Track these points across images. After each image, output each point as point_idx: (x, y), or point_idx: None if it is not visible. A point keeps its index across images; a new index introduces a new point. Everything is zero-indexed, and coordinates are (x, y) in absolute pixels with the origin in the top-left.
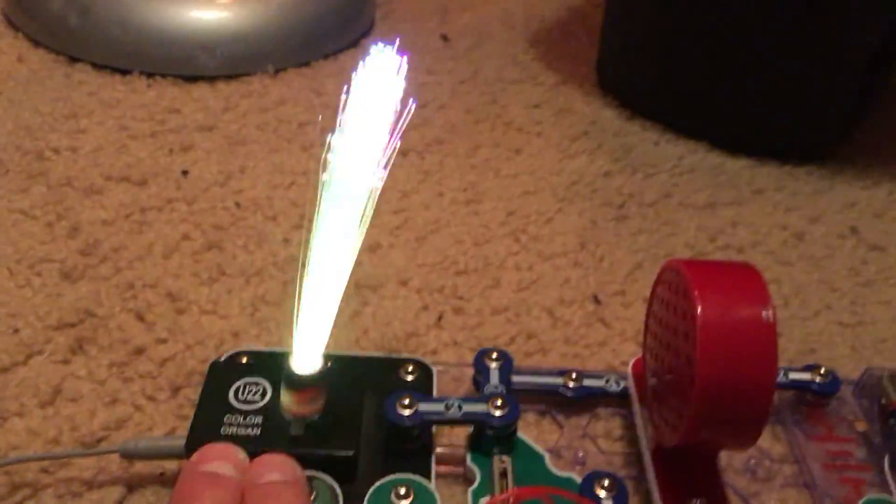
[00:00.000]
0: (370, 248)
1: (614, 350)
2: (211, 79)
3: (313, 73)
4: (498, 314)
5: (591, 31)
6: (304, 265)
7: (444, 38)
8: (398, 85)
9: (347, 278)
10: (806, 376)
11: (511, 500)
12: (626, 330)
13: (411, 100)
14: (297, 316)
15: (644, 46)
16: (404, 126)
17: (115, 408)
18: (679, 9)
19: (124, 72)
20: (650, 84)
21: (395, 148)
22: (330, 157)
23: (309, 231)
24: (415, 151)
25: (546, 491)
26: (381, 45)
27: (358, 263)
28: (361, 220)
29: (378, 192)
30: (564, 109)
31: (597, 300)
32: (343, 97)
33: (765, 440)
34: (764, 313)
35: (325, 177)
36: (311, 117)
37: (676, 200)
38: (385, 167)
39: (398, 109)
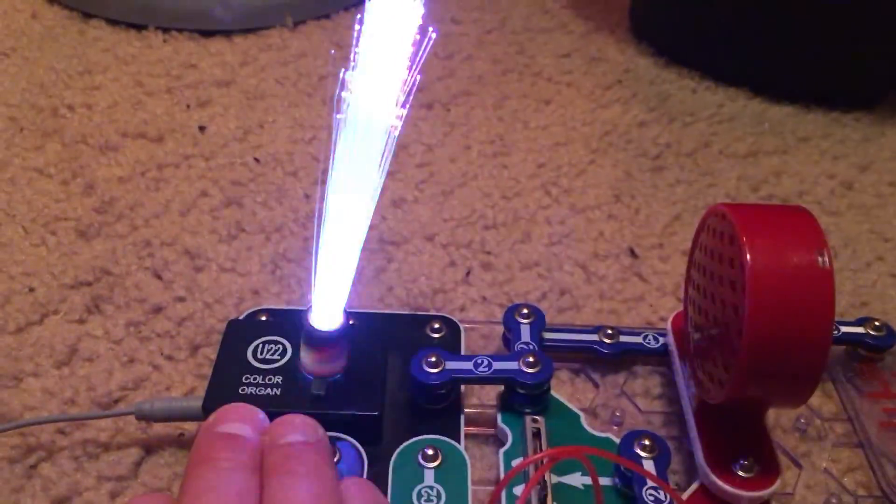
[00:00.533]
0: (394, 202)
1: (652, 305)
2: (228, 33)
3: (333, 25)
4: (528, 269)
5: None
6: (322, 217)
7: None
8: (416, 12)
9: (367, 229)
10: (859, 330)
11: (545, 460)
12: (664, 284)
13: (431, 29)
14: (316, 270)
15: None
16: (423, 59)
17: (133, 367)
18: None
19: (139, 27)
20: (687, 29)
21: (414, 83)
22: (345, 94)
23: (327, 181)
24: (440, 103)
25: (583, 451)
26: None
27: (382, 218)
28: (381, 165)
29: (397, 133)
30: (596, 58)
31: (633, 253)
32: (356, 29)
33: (815, 397)
34: (819, 259)
35: (339, 117)
36: (332, 70)
37: (716, 149)
38: (405, 105)
39: (417, 41)
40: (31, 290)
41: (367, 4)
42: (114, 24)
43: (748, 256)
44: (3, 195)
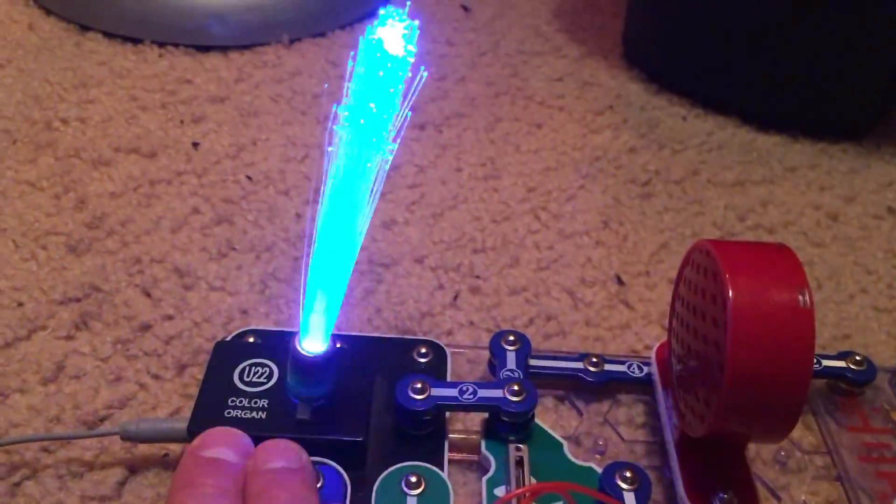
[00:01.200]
0: (385, 224)
1: (637, 333)
2: (224, 49)
3: (329, 43)
4: (516, 294)
5: (617, 1)
6: (313, 240)
7: (465, 8)
8: (410, 51)
9: (357, 255)
10: (840, 364)
11: (528, 495)
12: (650, 312)
13: (422, 68)
14: (305, 293)
15: (672, 17)
16: (415, 96)
17: (119, 386)
18: None
19: (135, 41)
20: (678, 57)
21: (406, 119)
22: (337, 128)
23: (319, 204)
24: (432, 125)
25: (565, 487)
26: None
27: (372, 240)
28: (372, 195)
29: (388, 166)
30: (588, 83)
31: (620, 281)
32: (350, 65)
33: (796, 430)
34: (800, 297)
35: (331, 149)
36: (326, 89)
37: (704, 178)
38: (396, 139)
39: (411, 77)
40: (20, 304)
41: (361, 41)
42: (110, 37)
43: (730, 294)
44: None
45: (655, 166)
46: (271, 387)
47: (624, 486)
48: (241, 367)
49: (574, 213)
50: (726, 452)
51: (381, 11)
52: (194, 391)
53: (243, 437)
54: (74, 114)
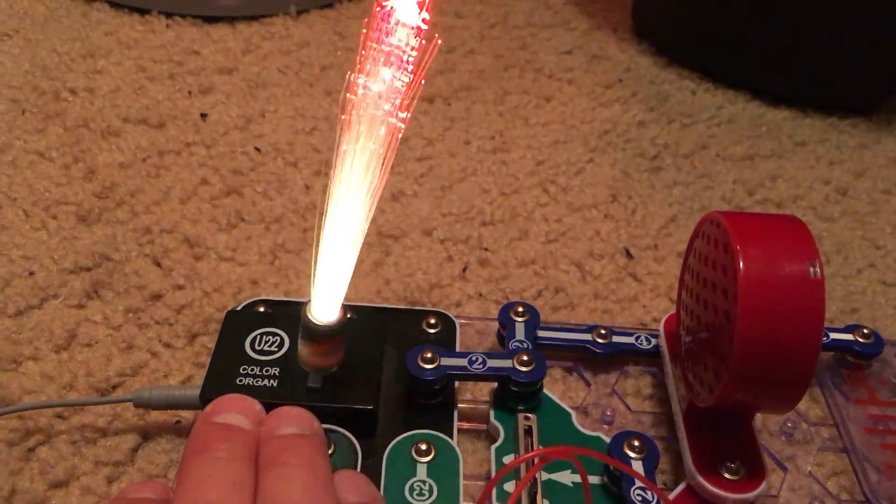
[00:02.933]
0: (393, 196)
1: (645, 306)
2: (231, 19)
3: (337, 14)
4: (525, 266)
5: None
6: (323, 211)
7: None
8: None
9: (367, 227)
10: (847, 337)
11: (536, 460)
12: (658, 285)
13: (437, 35)
14: (316, 263)
15: None
16: (426, 67)
17: (131, 354)
18: None
19: (143, 11)
20: (688, 30)
21: (417, 90)
22: (350, 97)
23: (329, 176)
24: (441, 98)
25: (574, 451)
26: None
27: (381, 211)
28: (383, 166)
29: (399, 137)
30: (598, 56)
31: (628, 254)
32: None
33: (802, 402)
34: (811, 269)
35: (343, 117)
36: (334, 60)
37: (713, 152)
38: (407, 110)
39: (422, 47)
40: (31, 273)
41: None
42: (117, 7)
43: (741, 264)
44: (5, 178)
45: (664, 140)
46: (282, 355)
47: (632, 454)
48: (252, 335)
49: (583, 187)
50: (733, 423)
51: None
52: (205, 359)
53: (255, 404)
54: (83, 84)
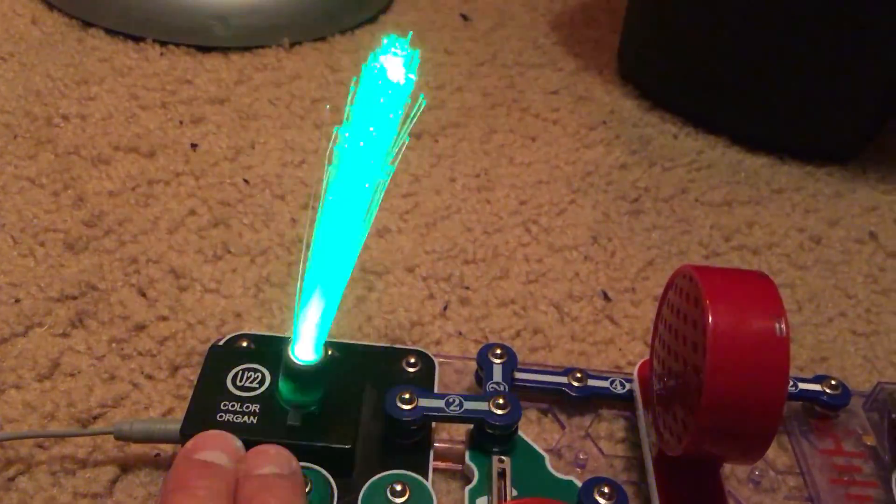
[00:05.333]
0: (378, 232)
1: (621, 349)
2: (225, 50)
3: (329, 48)
4: (504, 306)
5: (614, 16)
6: (308, 247)
7: (465, 17)
8: (411, 79)
9: (352, 268)
10: (816, 387)
11: None
12: (634, 329)
13: (421, 96)
14: (299, 301)
15: (667, 36)
16: (413, 122)
17: (113, 385)
18: (705, 1)
19: (137, 39)
20: (671, 75)
21: (403, 143)
22: (336, 149)
23: (315, 213)
24: (429, 134)
25: (545, 503)
26: (394, 38)
27: (366, 247)
28: (368, 211)
29: (386, 186)
30: (583, 97)
31: (606, 297)
32: (351, 88)
33: (771, 450)
34: (777, 326)
35: (331, 168)
36: (325, 94)
37: (692, 196)
38: (394, 161)
39: (410, 102)
40: (17, 300)
41: (363, 69)
42: (112, 34)
43: (710, 320)
44: None
45: (645, 183)
46: (263, 392)
47: (601, 500)
48: (234, 371)
49: (564, 228)
50: (702, 471)
51: (385, 40)
52: (187, 392)
53: (235, 441)
54: (75, 110)
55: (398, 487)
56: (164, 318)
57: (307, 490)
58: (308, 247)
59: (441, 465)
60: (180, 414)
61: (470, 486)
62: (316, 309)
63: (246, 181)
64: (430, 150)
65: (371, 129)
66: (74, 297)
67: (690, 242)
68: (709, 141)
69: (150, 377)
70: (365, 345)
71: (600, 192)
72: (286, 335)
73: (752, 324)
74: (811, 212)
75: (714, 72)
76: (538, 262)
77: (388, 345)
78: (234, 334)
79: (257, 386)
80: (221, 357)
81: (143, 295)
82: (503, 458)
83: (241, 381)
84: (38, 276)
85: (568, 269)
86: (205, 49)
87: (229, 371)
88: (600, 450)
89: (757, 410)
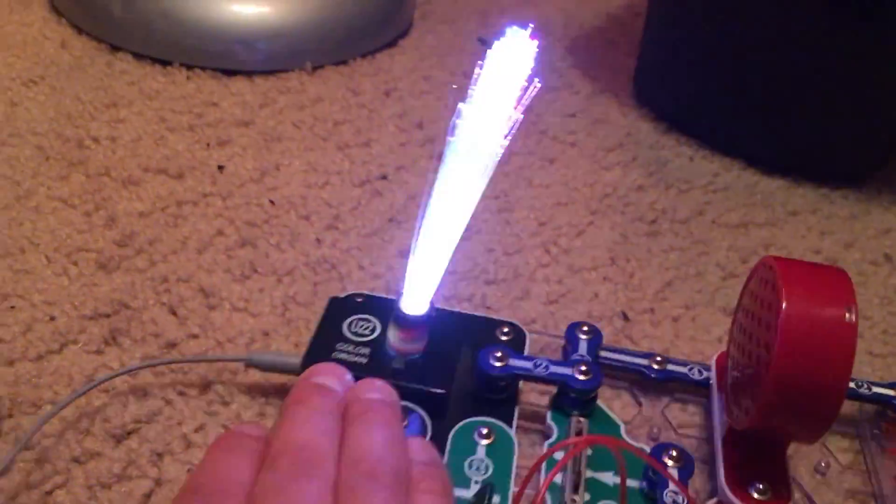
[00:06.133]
0: (401, 252)
1: None
2: (249, 73)
3: (350, 71)
4: (526, 326)
5: (631, 40)
6: (424, 212)
7: (482, 41)
8: (528, 64)
9: (462, 231)
10: (890, 392)
11: (582, 443)
12: (653, 348)
13: (536, 79)
14: (411, 259)
15: (683, 60)
16: (529, 101)
17: (146, 401)
18: (720, 24)
19: (164, 63)
20: (687, 98)
21: (518, 120)
22: (458, 121)
23: (432, 184)
24: (435, 155)
25: (616, 443)
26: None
27: (388, 268)
28: (482, 180)
29: (499, 156)
30: (600, 120)
31: (625, 317)
32: (477, 69)
33: (838, 448)
34: (847, 314)
35: (452, 140)
36: (347, 116)
37: (709, 218)
38: (507, 136)
39: (525, 86)
40: (52, 318)
41: (489, 53)
42: (140, 58)
43: (784, 303)
44: (28, 223)
45: (662, 205)
46: (373, 339)
47: (670, 462)
48: (349, 319)
49: (583, 249)
50: (767, 450)
51: (508, 30)
52: (218, 409)
53: (346, 373)
54: (105, 133)
55: (484, 431)
56: (195, 336)
57: (404, 424)
58: (424, 211)
59: (524, 423)
60: (213, 430)
61: (550, 440)
62: (426, 268)
63: (272, 202)
64: (434, 173)
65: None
66: (108, 315)
67: (708, 264)
68: (724, 163)
69: (181, 394)
70: (465, 313)
71: (618, 214)
72: (395, 297)
73: (823, 308)
74: (826, 234)
75: (729, 95)
76: (558, 283)
77: (485, 315)
78: (351, 292)
79: (368, 333)
80: (340, 306)
81: (174, 313)
82: (581, 418)
83: (354, 328)
84: (71, 295)
85: (587, 289)
86: (230, 73)
87: (345, 319)
88: (673, 428)
89: (821, 388)
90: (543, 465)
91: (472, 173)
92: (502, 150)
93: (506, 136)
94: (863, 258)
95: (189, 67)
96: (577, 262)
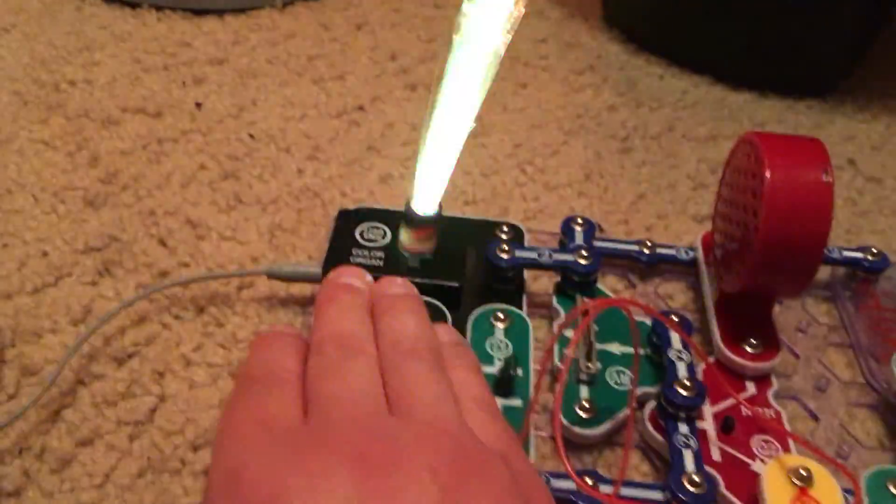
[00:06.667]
0: (381, 178)
1: None
2: (220, 12)
3: (321, 6)
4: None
5: None
6: (430, 113)
7: None
8: None
9: (467, 134)
10: (858, 255)
11: (600, 304)
12: None
13: None
14: (420, 163)
15: None
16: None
17: (144, 326)
18: None
19: (133, 5)
20: (655, 18)
21: (519, 14)
22: (462, 19)
23: (437, 84)
24: (423, 85)
25: (626, 302)
26: None
27: (370, 193)
28: (485, 80)
29: (502, 54)
30: (570, 44)
31: (600, 229)
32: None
33: (816, 309)
34: (824, 175)
35: (456, 37)
36: (321, 51)
37: (679, 133)
38: (510, 31)
39: None
40: (45, 254)
41: None
42: (109, 1)
43: (767, 170)
44: (13, 166)
45: (634, 123)
46: (386, 244)
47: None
48: (360, 227)
49: (558, 167)
50: (755, 311)
51: None
52: (214, 329)
53: (367, 274)
54: (81, 76)
55: (500, 315)
56: (186, 265)
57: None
58: (430, 113)
59: (531, 310)
60: (210, 348)
61: (558, 320)
62: (434, 169)
63: (251, 136)
64: (426, 100)
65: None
66: (99, 249)
67: (678, 176)
68: (693, 80)
69: (177, 317)
70: (466, 217)
71: (591, 134)
72: (399, 209)
73: (802, 172)
74: None
75: (696, 12)
76: (535, 201)
77: (484, 217)
78: (358, 206)
79: (380, 239)
80: (350, 217)
81: (164, 244)
82: (586, 298)
83: (367, 234)
84: (62, 231)
85: (563, 205)
86: (200, 12)
87: (357, 227)
88: (667, 305)
89: (805, 241)
90: (558, 339)
91: (478, 71)
92: (506, 45)
93: (508, 32)
94: None
95: (158, 8)
96: (553, 179)
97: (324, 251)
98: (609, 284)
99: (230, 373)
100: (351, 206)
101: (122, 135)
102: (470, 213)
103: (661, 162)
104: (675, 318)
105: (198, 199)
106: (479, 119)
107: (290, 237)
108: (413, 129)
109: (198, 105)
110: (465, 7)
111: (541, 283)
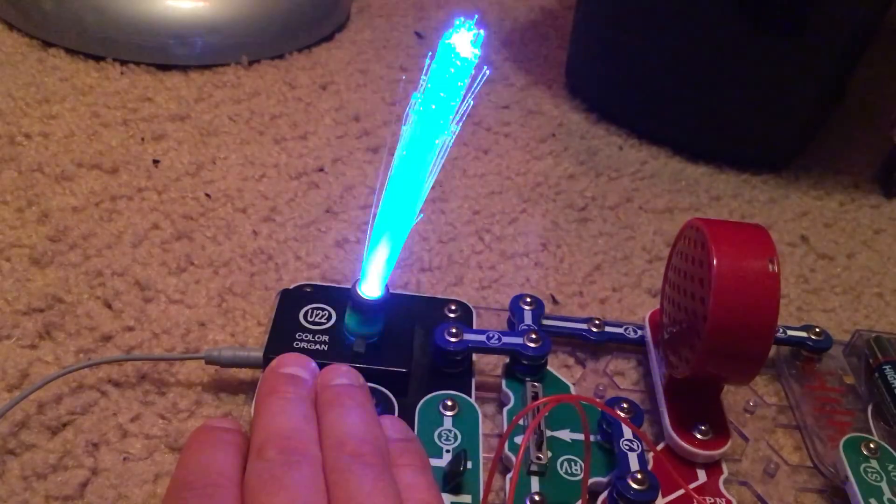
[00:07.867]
0: (338, 243)
1: None
2: (184, 68)
3: (287, 65)
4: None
5: (562, 33)
6: (378, 198)
7: (419, 34)
8: (476, 54)
9: (416, 218)
10: (802, 334)
11: (552, 402)
12: None
13: (485, 67)
14: (368, 245)
15: (610, 52)
16: (477, 89)
17: (82, 393)
18: (644, 18)
19: (98, 58)
20: (616, 89)
21: (468, 108)
22: (410, 111)
23: (384, 177)
24: (385, 148)
25: (576, 398)
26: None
27: (325, 258)
28: (431, 170)
29: (449, 144)
30: (533, 111)
31: (554, 300)
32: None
33: (762, 388)
34: (770, 265)
35: (404, 128)
36: (284, 110)
37: (637, 204)
38: (458, 123)
39: (474, 74)
40: None
41: (439, 49)
42: (73, 53)
43: (714, 259)
44: None
45: (592, 192)
46: (330, 327)
47: (622, 413)
48: (304, 309)
49: (515, 236)
50: (705, 395)
51: (456, 21)
52: (154, 399)
53: (311, 362)
54: (37, 129)
55: (449, 403)
56: (130, 329)
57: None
58: (379, 198)
59: (481, 394)
60: (149, 419)
61: (507, 407)
62: (381, 252)
63: (208, 195)
64: (387, 163)
65: (441, 94)
66: (41, 310)
67: (634, 248)
68: (652, 151)
69: (117, 385)
70: (413, 294)
71: (549, 202)
72: (344, 286)
73: (750, 262)
74: (747, 217)
75: (656, 86)
76: (491, 269)
77: (431, 295)
78: (299, 283)
79: (325, 321)
80: (293, 298)
81: (109, 307)
82: (536, 383)
83: (311, 317)
84: (4, 290)
85: (519, 274)
86: (164, 67)
87: (300, 309)
88: (616, 384)
89: (753, 331)
90: (513, 429)
91: (423, 159)
92: (452, 136)
93: (454, 123)
94: (780, 239)
95: (123, 62)
96: (510, 248)
97: (269, 325)
98: (559, 362)
99: (167, 445)
100: (304, 271)
101: (74, 191)
102: (425, 280)
103: (617, 233)
104: (626, 405)
105: (148, 259)
106: (438, 184)
107: (240, 301)
108: (372, 192)
109: (155, 162)
110: (414, 99)
111: (489, 359)
